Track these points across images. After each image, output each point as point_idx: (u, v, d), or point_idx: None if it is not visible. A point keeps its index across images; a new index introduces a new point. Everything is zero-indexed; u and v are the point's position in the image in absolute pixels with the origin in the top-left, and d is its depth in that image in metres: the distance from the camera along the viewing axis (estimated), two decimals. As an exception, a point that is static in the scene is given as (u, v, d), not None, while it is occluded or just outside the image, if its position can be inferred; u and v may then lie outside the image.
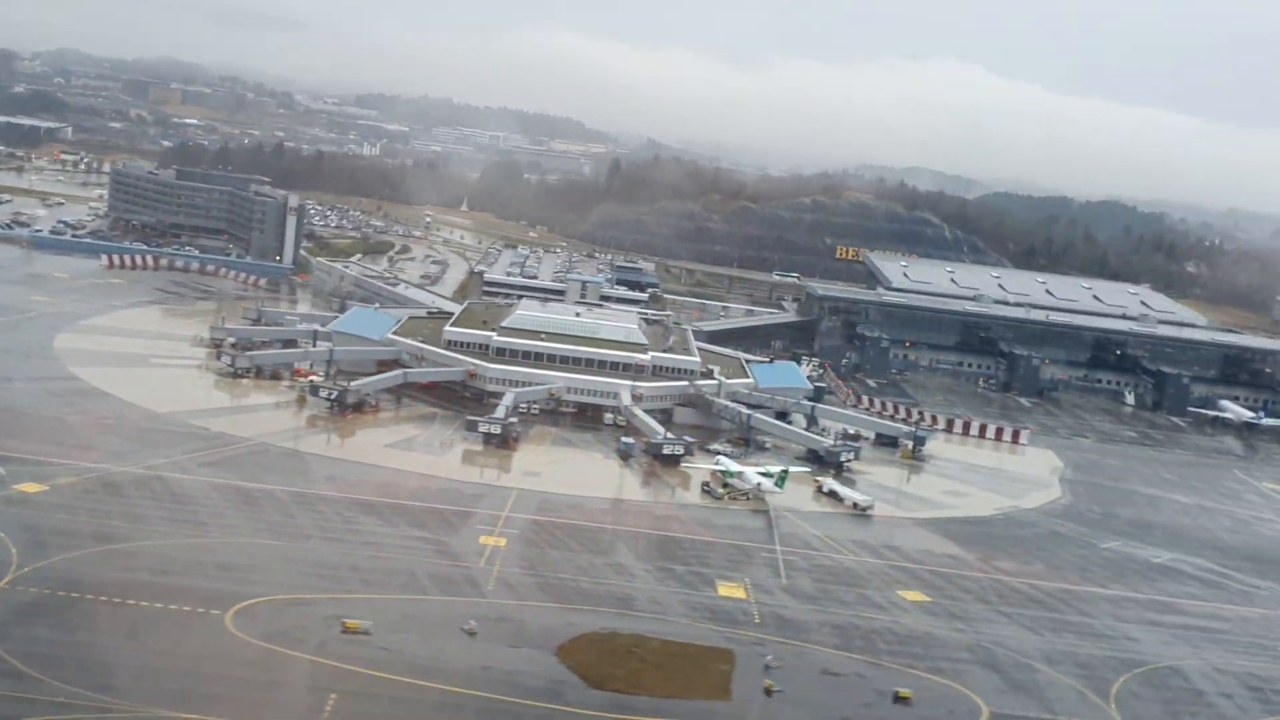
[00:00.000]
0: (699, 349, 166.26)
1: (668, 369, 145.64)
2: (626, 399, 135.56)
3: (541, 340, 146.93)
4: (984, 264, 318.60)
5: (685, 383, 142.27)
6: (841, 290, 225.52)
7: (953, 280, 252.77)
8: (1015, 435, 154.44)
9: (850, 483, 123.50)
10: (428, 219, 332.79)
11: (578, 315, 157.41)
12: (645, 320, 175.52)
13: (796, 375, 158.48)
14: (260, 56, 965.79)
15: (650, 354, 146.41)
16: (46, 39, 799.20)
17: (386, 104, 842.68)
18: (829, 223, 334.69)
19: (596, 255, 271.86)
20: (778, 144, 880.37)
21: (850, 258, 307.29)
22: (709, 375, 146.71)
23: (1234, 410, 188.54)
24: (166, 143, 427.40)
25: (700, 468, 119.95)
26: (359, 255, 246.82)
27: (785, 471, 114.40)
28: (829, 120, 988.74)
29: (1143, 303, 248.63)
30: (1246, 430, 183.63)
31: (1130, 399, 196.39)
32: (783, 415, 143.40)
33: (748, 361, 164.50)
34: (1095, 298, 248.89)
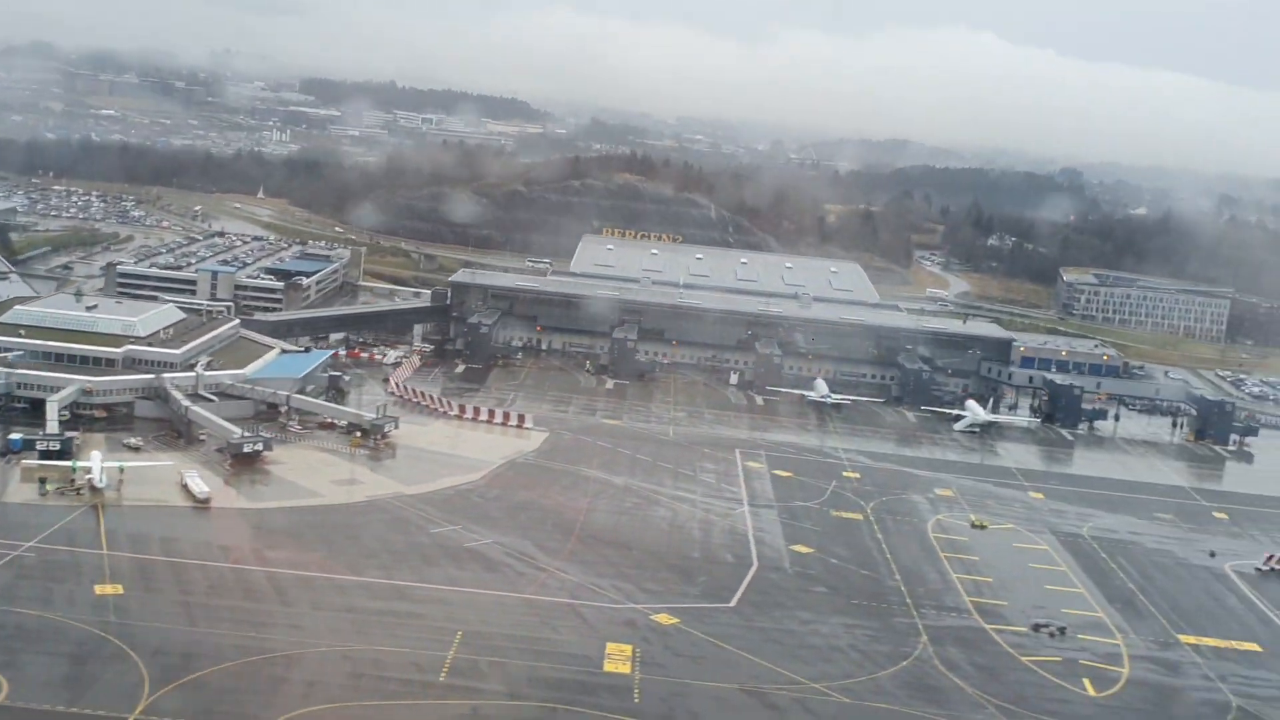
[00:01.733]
0: (256, 339, 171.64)
1: (146, 361, 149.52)
2: (66, 394, 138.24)
3: (21, 336, 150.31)
4: (749, 245, 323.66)
5: (152, 376, 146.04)
6: (473, 277, 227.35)
7: (654, 257, 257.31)
8: (521, 419, 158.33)
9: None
10: (198, 208, 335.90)
11: (89, 309, 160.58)
12: (205, 312, 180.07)
13: (299, 365, 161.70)
14: (249, 42, 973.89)
15: (126, 347, 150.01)
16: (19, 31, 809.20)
17: (329, 89, 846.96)
18: (596, 205, 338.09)
19: (304, 244, 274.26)
20: (780, 119, 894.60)
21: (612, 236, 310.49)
22: (193, 367, 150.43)
23: (820, 388, 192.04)
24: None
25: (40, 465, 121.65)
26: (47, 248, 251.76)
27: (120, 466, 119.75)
28: (830, 93, 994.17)
29: (829, 283, 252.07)
30: (833, 410, 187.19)
31: (734, 379, 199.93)
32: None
33: (284, 351, 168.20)
34: (780, 277, 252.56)
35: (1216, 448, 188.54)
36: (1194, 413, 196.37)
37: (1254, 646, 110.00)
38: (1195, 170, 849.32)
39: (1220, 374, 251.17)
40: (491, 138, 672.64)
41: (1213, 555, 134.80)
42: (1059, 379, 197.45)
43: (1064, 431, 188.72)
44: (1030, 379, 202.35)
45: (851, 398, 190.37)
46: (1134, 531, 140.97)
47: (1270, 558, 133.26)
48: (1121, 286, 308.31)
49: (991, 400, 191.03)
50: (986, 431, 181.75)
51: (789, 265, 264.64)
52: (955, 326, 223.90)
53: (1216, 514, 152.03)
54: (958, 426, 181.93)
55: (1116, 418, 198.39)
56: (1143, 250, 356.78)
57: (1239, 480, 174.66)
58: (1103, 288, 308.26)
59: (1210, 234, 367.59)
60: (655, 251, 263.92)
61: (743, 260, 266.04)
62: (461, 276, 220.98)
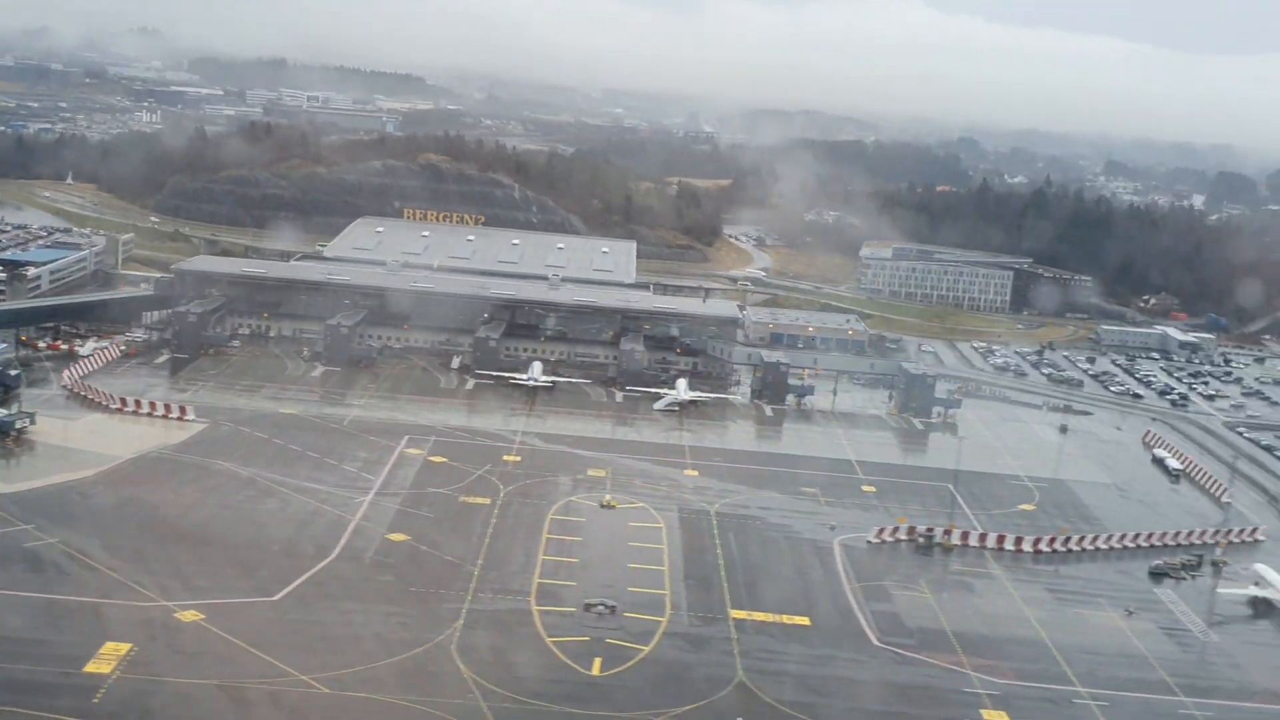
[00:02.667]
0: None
1: None
2: None
3: None
4: (553, 225, 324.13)
5: None
6: (199, 264, 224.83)
7: (423, 239, 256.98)
8: (182, 410, 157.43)
9: None
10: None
11: None
12: None
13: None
14: (139, 20, 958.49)
15: None
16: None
17: (218, 69, 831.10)
18: (398, 185, 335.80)
19: (64, 232, 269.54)
20: (710, 91, 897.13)
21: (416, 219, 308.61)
22: None
23: (535, 370, 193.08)
24: None
25: None
26: None
27: None
28: (759, 64, 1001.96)
29: (591, 264, 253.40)
30: (545, 392, 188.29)
31: (456, 363, 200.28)
32: None
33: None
34: (545, 258, 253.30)
35: (916, 420, 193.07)
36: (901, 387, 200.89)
37: (804, 620, 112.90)
38: (1111, 136, 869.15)
39: (975, 346, 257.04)
40: (372, 115, 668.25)
41: (832, 529, 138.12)
42: (769, 356, 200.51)
43: (768, 408, 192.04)
44: (749, 356, 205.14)
45: (562, 379, 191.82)
46: (765, 507, 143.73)
47: (880, 531, 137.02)
48: (909, 260, 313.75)
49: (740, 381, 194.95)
50: (686, 410, 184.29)
51: (560, 245, 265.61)
52: (693, 306, 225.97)
53: (865, 487, 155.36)
54: (657, 406, 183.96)
55: (834, 393, 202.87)
56: (954, 220, 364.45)
57: (910, 453, 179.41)
58: (890, 261, 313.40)
59: (1038, 203, 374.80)
60: (426, 234, 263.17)
61: (514, 241, 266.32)
62: (188, 264, 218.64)
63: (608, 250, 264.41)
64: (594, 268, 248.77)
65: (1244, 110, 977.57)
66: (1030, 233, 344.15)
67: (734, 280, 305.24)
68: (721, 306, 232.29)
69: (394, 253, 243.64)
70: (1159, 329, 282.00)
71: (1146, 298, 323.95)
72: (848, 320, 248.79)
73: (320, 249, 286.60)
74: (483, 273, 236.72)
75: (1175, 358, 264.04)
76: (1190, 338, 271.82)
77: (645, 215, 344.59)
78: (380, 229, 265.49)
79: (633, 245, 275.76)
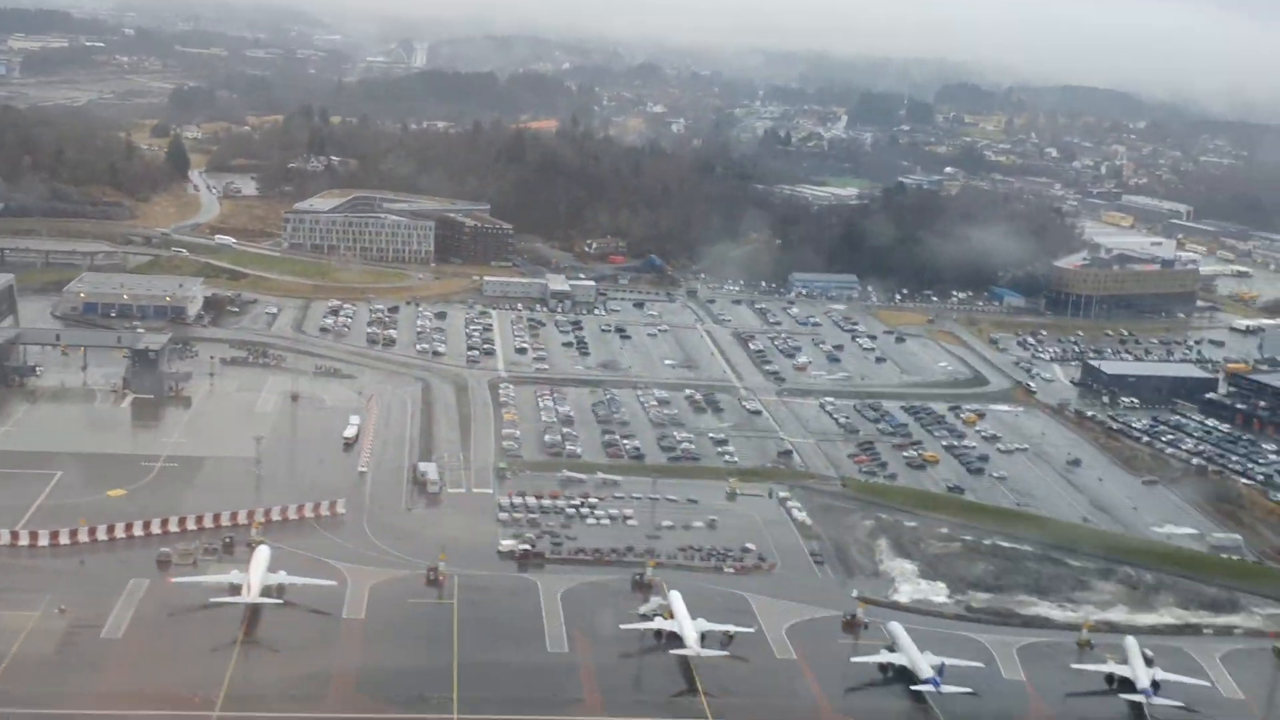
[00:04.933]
0: None
1: None
2: None
3: None
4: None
5: None
6: None
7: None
8: None
9: None
10: None
11: None
12: None
13: None
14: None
15: None
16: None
17: None
18: None
19: None
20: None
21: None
22: None
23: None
24: None
25: None
26: None
27: None
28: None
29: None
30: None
31: None
32: None
33: None
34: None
35: (146, 396, 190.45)
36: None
37: None
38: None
39: (331, 304, 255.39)
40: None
41: None
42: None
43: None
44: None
45: None
46: None
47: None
48: (342, 213, 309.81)
49: None
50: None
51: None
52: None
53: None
54: None
55: (84, 367, 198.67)
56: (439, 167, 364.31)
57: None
58: (325, 215, 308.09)
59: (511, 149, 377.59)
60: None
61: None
62: None
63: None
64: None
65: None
66: (494, 180, 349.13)
67: (148, 240, 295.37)
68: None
69: None
70: (542, 280, 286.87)
71: (590, 242, 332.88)
72: (180, 285, 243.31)
73: None
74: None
75: (552, 307, 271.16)
76: (566, 286, 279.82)
77: (79, 169, 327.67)
78: None
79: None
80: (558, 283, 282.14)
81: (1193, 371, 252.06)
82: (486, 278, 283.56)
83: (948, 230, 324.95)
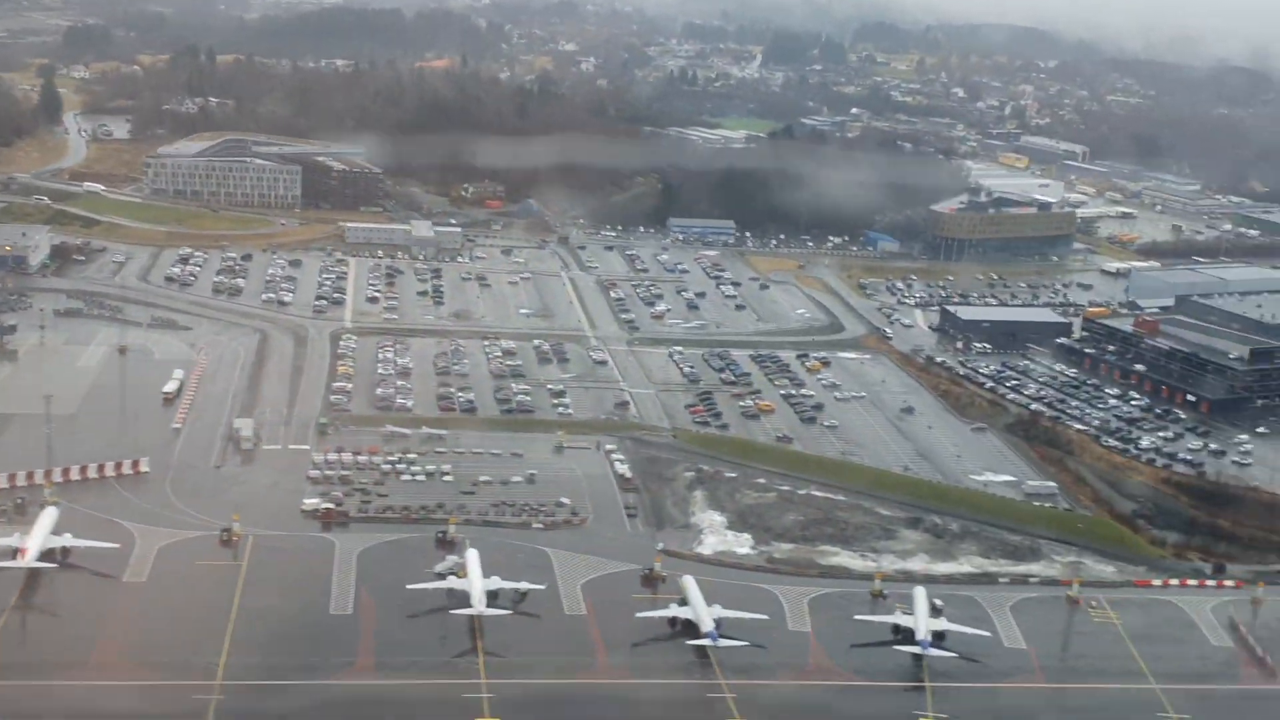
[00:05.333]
0: None
1: None
2: None
3: None
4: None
5: None
6: None
7: None
8: None
9: None
10: None
11: None
12: None
13: None
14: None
15: None
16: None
17: None
18: None
19: None
20: None
21: None
22: None
23: None
24: None
25: None
26: None
27: None
28: None
29: None
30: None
31: None
32: None
33: None
34: None
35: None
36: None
37: None
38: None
39: (181, 253, 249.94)
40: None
41: None
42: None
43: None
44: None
45: None
46: None
47: None
48: (207, 158, 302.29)
49: None
50: None
51: None
52: None
53: None
54: None
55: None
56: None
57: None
58: (189, 159, 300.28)
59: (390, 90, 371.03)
60: None
61: None
62: None
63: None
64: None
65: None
66: (374, 122, 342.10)
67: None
68: None
69: None
70: (405, 226, 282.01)
71: (467, 187, 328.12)
72: (24, 234, 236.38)
73: None
74: None
75: (414, 254, 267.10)
76: (430, 233, 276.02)
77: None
78: None
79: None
80: (422, 229, 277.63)
81: (1048, 316, 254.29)
82: (349, 224, 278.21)
83: (830, 175, 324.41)
